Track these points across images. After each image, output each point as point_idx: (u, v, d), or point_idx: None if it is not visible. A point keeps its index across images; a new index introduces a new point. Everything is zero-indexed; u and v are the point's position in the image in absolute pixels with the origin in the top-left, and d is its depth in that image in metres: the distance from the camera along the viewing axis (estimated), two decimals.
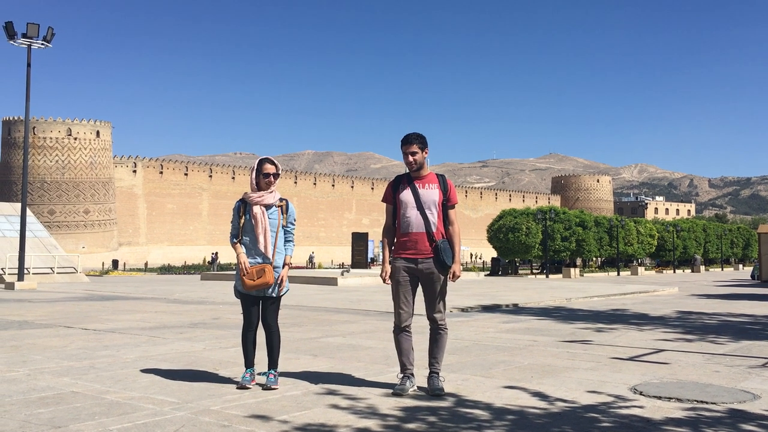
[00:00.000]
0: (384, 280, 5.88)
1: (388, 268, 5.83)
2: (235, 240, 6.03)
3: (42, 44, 24.84)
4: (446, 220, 5.84)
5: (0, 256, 26.89)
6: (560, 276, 44.21)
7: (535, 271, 52.56)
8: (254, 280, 5.81)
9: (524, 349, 8.56)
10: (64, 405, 5.16)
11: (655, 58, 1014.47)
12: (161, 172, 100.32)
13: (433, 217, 5.75)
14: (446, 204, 5.84)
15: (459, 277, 5.86)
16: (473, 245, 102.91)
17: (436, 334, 5.87)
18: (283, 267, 5.99)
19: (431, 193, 5.78)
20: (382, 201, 6.03)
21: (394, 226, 5.91)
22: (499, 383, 6.24)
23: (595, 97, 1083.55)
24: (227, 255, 80.00)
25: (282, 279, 5.96)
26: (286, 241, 6.06)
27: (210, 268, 65.39)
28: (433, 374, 5.82)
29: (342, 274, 28.23)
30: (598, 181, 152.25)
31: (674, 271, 60.48)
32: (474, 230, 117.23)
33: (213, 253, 75.54)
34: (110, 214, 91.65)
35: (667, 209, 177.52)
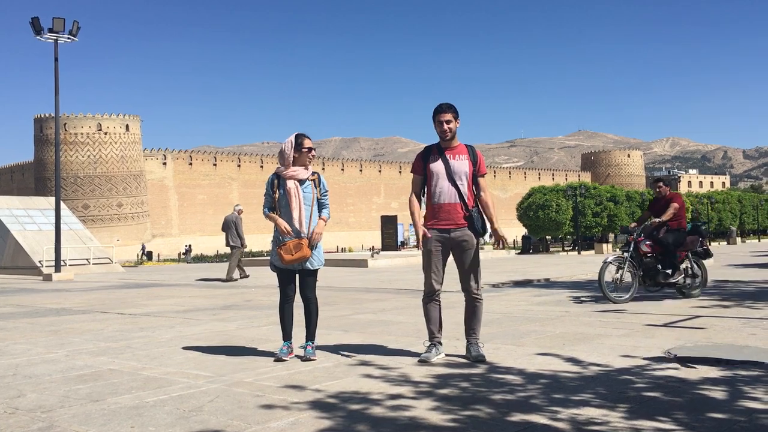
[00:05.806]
0: (420, 240, 5.73)
1: (422, 229, 5.75)
2: (268, 211, 6.04)
3: (68, 38, 25.07)
4: (477, 189, 5.85)
5: (37, 249, 27.40)
6: (592, 252, 43.74)
7: (566, 248, 52.17)
8: (292, 255, 5.83)
9: (556, 320, 8.51)
10: (101, 381, 5.26)
11: (685, 29, 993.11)
12: (191, 164, 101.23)
13: (464, 187, 5.77)
14: (476, 174, 5.84)
15: (505, 239, 5.82)
16: (503, 225, 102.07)
17: (472, 305, 5.88)
18: (318, 226, 5.95)
19: (462, 164, 5.78)
20: (411, 172, 6.00)
21: (421, 197, 5.91)
22: (530, 351, 6.22)
23: (624, 72, 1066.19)
24: (259, 244, 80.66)
25: (316, 236, 5.90)
26: (322, 208, 6.07)
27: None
28: (472, 343, 5.83)
29: (372, 256, 28.28)
30: (629, 156, 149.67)
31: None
32: (504, 210, 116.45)
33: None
34: (143, 207, 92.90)
35: (701, 182, 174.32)
